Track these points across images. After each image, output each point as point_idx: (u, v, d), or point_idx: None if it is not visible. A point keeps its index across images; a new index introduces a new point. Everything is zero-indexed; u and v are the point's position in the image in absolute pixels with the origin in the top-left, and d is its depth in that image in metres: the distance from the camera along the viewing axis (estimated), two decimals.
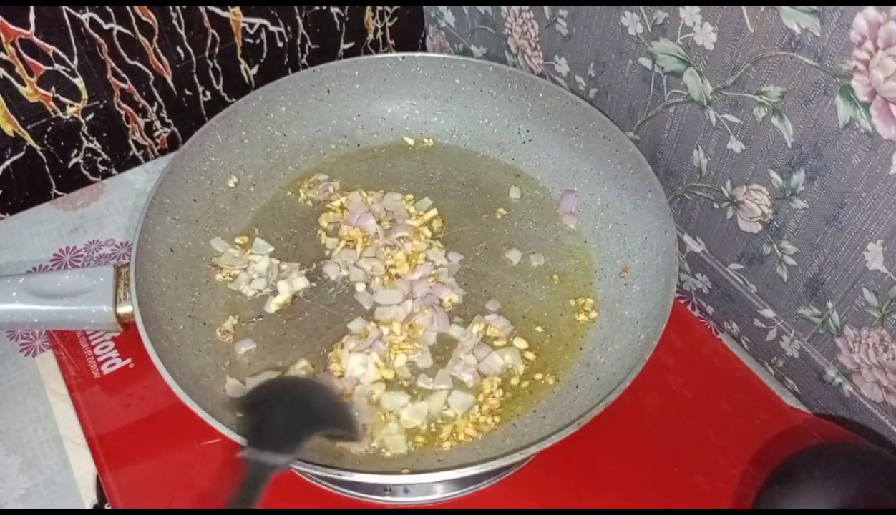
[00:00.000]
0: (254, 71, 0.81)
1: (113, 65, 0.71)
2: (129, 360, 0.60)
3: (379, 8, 0.85)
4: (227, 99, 0.80)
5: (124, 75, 0.72)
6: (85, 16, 0.66)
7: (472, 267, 0.62)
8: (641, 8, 0.55)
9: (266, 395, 0.46)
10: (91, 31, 0.67)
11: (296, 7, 0.78)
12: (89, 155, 0.76)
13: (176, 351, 0.52)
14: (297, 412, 0.44)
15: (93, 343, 0.61)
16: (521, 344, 0.57)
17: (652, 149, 0.62)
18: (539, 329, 0.58)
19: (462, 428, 0.52)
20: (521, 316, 0.59)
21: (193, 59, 0.75)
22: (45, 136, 0.71)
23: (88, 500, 0.54)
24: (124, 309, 0.55)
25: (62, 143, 0.73)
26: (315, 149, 0.71)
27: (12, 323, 0.55)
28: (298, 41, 0.82)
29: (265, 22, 0.77)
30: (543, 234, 0.65)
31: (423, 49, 0.92)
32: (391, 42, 0.90)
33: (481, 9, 0.76)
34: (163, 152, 0.81)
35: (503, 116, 0.71)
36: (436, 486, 0.53)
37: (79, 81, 0.70)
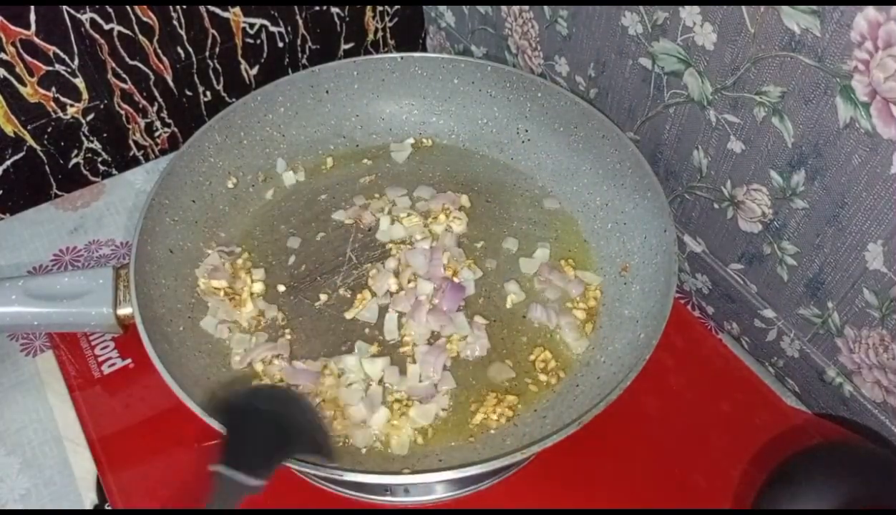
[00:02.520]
0: (254, 71, 0.81)
1: (113, 65, 0.71)
2: (129, 360, 0.60)
3: (379, 8, 0.85)
4: (227, 99, 0.80)
5: (125, 75, 0.72)
6: (85, 16, 0.66)
7: (470, 268, 0.62)
8: (641, 8, 0.55)
9: (244, 408, 0.45)
10: (91, 32, 0.67)
11: (296, 7, 0.78)
12: (89, 155, 0.76)
13: (176, 352, 0.52)
14: (273, 432, 0.43)
15: (93, 343, 0.61)
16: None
17: (652, 149, 0.62)
18: (540, 328, 0.58)
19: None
20: (522, 316, 0.59)
21: (194, 59, 0.75)
22: (46, 136, 0.71)
23: (88, 500, 0.54)
24: (124, 310, 0.55)
25: (62, 143, 0.73)
26: (314, 149, 0.71)
27: (12, 325, 0.55)
28: (298, 41, 0.81)
29: (265, 22, 0.77)
30: (543, 233, 0.65)
31: (424, 49, 0.92)
32: (391, 42, 0.90)
33: (481, 9, 0.76)
34: (163, 152, 0.81)
35: (502, 116, 0.71)
36: (436, 486, 0.53)
37: (79, 81, 0.70)
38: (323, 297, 0.60)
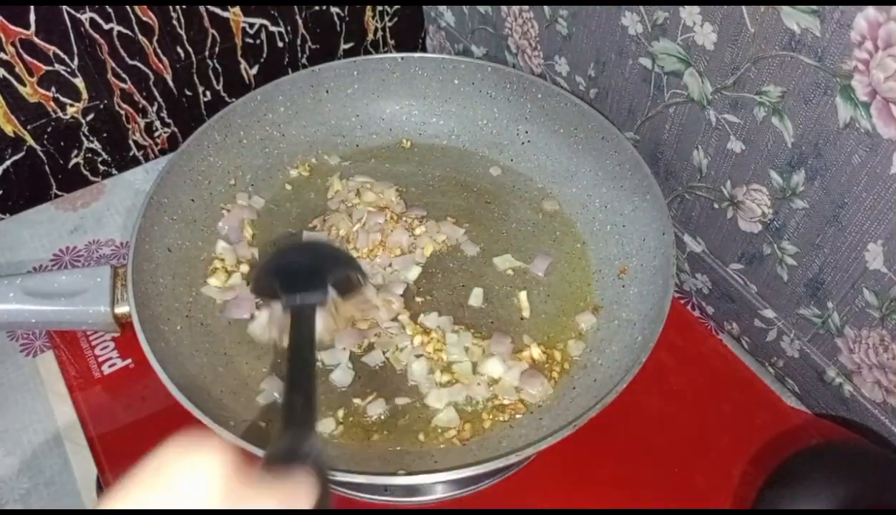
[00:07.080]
0: (254, 71, 0.81)
1: (113, 65, 0.71)
2: (129, 360, 0.60)
3: (379, 8, 0.85)
4: (227, 99, 0.80)
5: (124, 75, 0.72)
6: (85, 16, 0.66)
7: (470, 268, 0.62)
8: (641, 8, 0.55)
9: (285, 256, 0.53)
10: (91, 31, 0.67)
11: (296, 7, 0.78)
12: (89, 155, 0.76)
13: (173, 351, 0.52)
14: (313, 262, 0.51)
15: (93, 343, 0.61)
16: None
17: (652, 149, 0.62)
18: (537, 331, 0.58)
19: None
20: (520, 318, 0.59)
21: (193, 59, 0.75)
22: (45, 136, 0.72)
23: (88, 500, 0.54)
24: (122, 309, 0.55)
25: (62, 143, 0.73)
26: (314, 149, 0.71)
27: (10, 323, 0.55)
28: (298, 41, 0.82)
29: (265, 22, 0.77)
30: (542, 235, 0.65)
31: (424, 49, 0.92)
32: (391, 42, 0.90)
33: (481, 9, 0.76)
34: (163, 152, 0.81)
35: (502, 117, 0.71)
36: (435, 486, 0.53)
37: (79, 81, 0.70)
38: None
